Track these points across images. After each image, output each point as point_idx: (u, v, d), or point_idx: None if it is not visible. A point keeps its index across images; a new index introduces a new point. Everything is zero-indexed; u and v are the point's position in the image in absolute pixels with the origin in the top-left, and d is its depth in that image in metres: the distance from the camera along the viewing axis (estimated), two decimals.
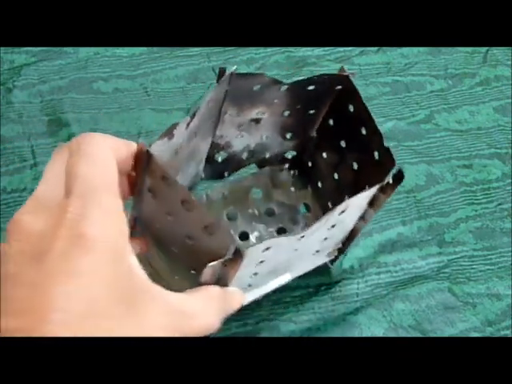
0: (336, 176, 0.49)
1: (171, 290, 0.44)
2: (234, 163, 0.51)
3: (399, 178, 0.41)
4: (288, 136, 0.50)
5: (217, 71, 0.66)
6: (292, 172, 0.54)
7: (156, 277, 0.45)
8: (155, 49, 0.67)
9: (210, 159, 0.50)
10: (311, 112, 0.48)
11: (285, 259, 0.43)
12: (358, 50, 0.70)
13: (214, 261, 0.36)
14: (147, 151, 0.36)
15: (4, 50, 0.65)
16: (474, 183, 0.59)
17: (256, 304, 0.46)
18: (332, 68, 0.68)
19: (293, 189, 0.53)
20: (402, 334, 0.48)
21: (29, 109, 0.61)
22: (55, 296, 0.29)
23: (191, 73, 0.66)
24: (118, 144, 0.35)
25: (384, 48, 0.71)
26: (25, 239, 0.30)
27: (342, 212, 0.41)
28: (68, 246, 0.30)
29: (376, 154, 0.43)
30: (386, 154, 0.42)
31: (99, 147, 0.33)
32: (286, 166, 0.53)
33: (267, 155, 0.51)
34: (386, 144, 0.42)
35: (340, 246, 0.48)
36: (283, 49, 0.69)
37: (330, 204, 0.50)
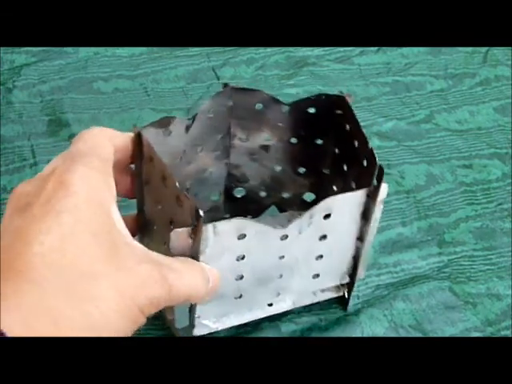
0: None
1: None
2: (253, 202, 0.50)
3: (380, 176, 0.40)
4: (301, 171, 0.49)
5: (217, 71, 0.67)
6: None
7: None
8: (155, 49, 0.67)
9: (228, 193, 0.50)
10: (318, 142, 0.47)
11: (272, 266, 0.42)
12: (358, 50, 0.70)
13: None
14: (138, 133, 0.38)
15: (4, 50, 0.65)
16: (474, 183, 0.59)
17: None
18: (332, 68, 0.68)
19: None
20: (403, 333, 0.48)
21: (29, 109, 0.61)
22: (33, 232, 0.30)
23: (191, 73, 0.66)
24: (115, 134, 0.38)
25: (384, 48, 0.71)
26: (17, 199, 0.33)
27: (328, 216, 0.40)
28: (52, 192, 0.32)
29: (364, 161, 0.42)
30: (371, 157, 0.41)
31: (95, 133, 0.37)
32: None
33: (285, 194, 0.50)
34: (369, 146, 0.41)
35: (347, 279, 0.46)
36: (283, 49, 0.69)
37: None
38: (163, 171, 0.37)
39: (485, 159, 0.61)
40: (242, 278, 0.41)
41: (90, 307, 0.29)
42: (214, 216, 0.39)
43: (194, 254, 0.37)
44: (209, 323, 0.43)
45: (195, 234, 0.36)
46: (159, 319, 0.44)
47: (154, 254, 0.34)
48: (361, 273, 0.46)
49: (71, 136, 0.58)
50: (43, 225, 0.30)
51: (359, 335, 0.47)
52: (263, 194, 0.50)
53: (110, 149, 0.36)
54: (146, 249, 0.34)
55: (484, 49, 0.72)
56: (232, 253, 0.39)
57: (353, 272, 0.45)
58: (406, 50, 0.71)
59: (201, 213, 0.35)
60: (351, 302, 0.48)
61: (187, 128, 0.43)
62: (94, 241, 0.31)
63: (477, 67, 0.71)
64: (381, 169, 0.40)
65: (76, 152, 0.35)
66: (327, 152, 0.47)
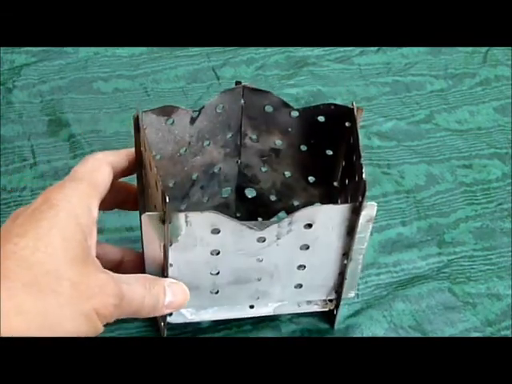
0: None
1: None
2: (263, 205, 0.50)
3: (363, 191, 0.39)
4: (311, 180, 0.48)
5: (217, 71, 0.67)
6: None
7: None
8: (155, 49, 0.68)
9: (240, 192, 0.50)
10: (329, 153, 0.47)
11: (250, 267, 0.41)
12: (358, 50, 0.71)
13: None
14: (137, 116, 0.40)
15: (4, 50, 0.65)
16: (474, 183, 0.59)
17: None
18: (332, 68, 0.68)
19: None
20: (403, 334, 0.48)
21: (29, 109, 0.61)
22: (11, 235, 0.34)
23: (191, 73, 0.66)
24: (118, 154, 0.41)
25: (384, 48, 0.71)
26: (12, 216, 0.36)
27: (310, 226, 0.40)
28: (36, 206, 0.36)
29: (357, 176, 0.41)
30: (360, 172, 0.40)
31: (97, 158, 0.40)
32: None
33: (295, 202, 0.50)
34: (362, 161, 0.40)
35: (334, 296, 0.45)
36: (283, 49, 0.69)
37: None
38: (149, 156, 0.38)
39: (485, 159, 0.61)
40: (218, 273, 0.41)
41: (51, 300, 0.32)
42: (223, 212, 0.39)
43: (165, 241, 0.38)
44: (186, 313, 0.43)
45: (165, 219, 0.37)
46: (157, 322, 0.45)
47: (112, 272, 0.37)
48: (348, 292, 0.45)
49: (71, 136, 0.58)
50: (21, 229, 0.34)
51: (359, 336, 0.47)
52: (273, 198, 0.50)
53: (105, 173, 0.39)
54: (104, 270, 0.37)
55: (484, 49, 0.72)
56: (206, 246, 0.39)
57: (340, 289, 0.44)
58: (406, 50, 0.71)
59: (167, 198, 0.36)
60: (350, 301, 0.48)
61: (192, 120, 0.43)
62: (64, 245, 0.34)
63: (477, 67, 0.71)
64: (365, 185, 0.39)
65: (72, 175, 0.39)
66: (337, 164, 0.47)
